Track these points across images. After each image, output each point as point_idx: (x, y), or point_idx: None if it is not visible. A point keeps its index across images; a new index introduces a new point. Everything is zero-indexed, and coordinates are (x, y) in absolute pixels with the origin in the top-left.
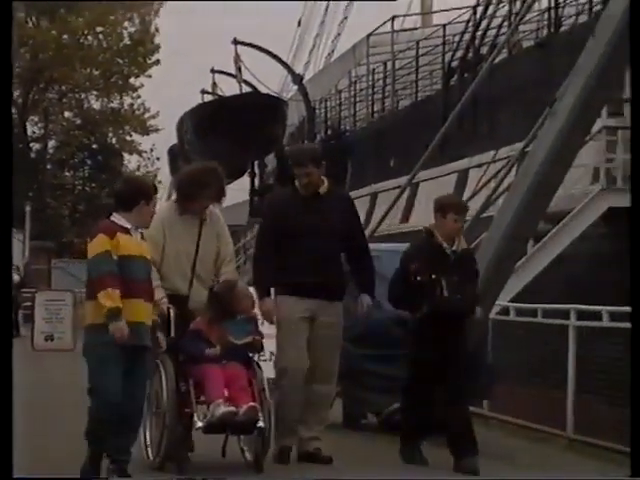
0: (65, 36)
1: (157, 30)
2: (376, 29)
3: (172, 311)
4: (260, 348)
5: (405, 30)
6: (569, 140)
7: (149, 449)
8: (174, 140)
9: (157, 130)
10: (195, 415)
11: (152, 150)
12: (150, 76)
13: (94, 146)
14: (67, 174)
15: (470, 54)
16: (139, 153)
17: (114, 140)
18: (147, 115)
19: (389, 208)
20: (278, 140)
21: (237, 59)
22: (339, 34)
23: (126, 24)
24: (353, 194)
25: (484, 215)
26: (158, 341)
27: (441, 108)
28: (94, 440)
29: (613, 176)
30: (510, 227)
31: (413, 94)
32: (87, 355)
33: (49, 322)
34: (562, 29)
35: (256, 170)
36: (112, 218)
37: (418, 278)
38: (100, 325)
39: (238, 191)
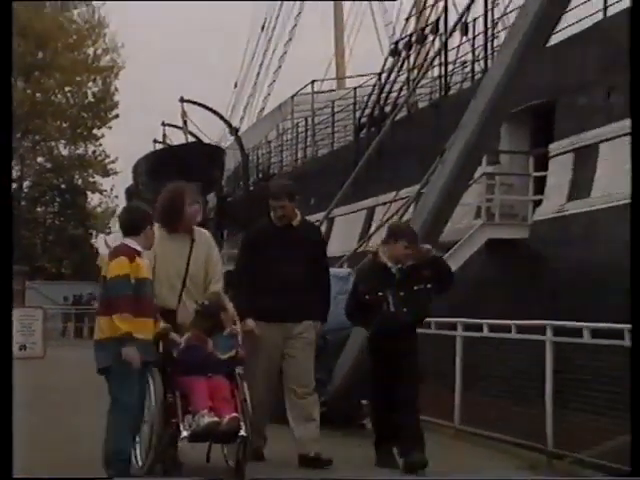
0: (38, 94)
1: (116, 89)
2: (299, 91)
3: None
4: (242, 362)
5: (323, 92)
6: (456, 184)
7: (138, 456)
8: (130, 181)
9: (116, 173)
10: (181, 425)
11: (112, 189)
12: (110, 127)
13: (62, 186)
14: (39, 209)
15: (376, 112)
16: (100, 192)
17: (79, 181)
18: (107, 160)
19: None
20: (217, 182)
21: (183, 114)
22: (269, 94)
23: (90, 84)
24: None
25: None
26: (173, 341)
27: (353, 156)
28: (117, 453)
29: (492, 213)
30: None
31: (330, 144)
32: (111, 367)
33: (23, 334)
34: (450, 93)
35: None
36: (126, 242)
37: (367, 297)
38: (118, 338)
39: None
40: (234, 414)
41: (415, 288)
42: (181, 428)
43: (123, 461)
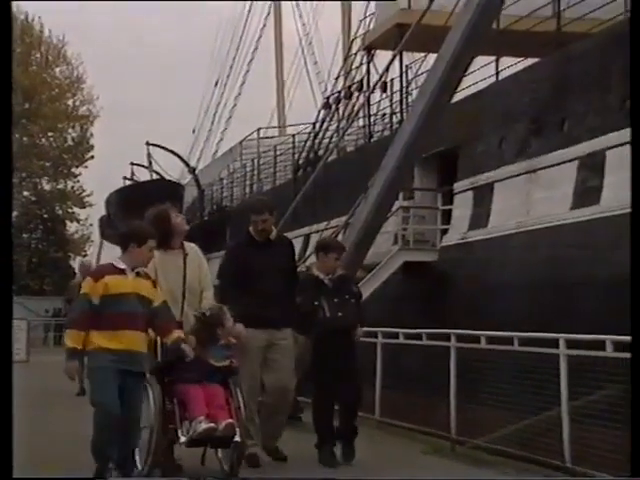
0: (25, 138)
1: (92, 135)
2: (247, 137)
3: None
4: (236, 371)
5: (267, 138)
6: (377, 215)
7: (137, 460)
8: (103, 212)
9: (91, 205)
10: (179, 430)
11: (87, 219)
12: (86, 167)
13: (45, 216)
14: (25, 236)
15: (311, 155)
16: (77, 221)
17: (60, 212)
18: (84, 194)
19: None
20: (178, 212)
21: (149, 156)
22: (221, 139)
23: (70, 130)
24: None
25: None
26: (185, 352)
27: (292, 191)
28: (98, 450)
29: (407, 240)
30: None
31: (272, 181)
32: (89, 375)
33: None
34: (373, 140)
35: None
36: (113, 260)
37: (303, 308)
38: (97, 350)
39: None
40: (229, 420)
41: (346, 296)
42: (179, 434)
43: (99, 459)
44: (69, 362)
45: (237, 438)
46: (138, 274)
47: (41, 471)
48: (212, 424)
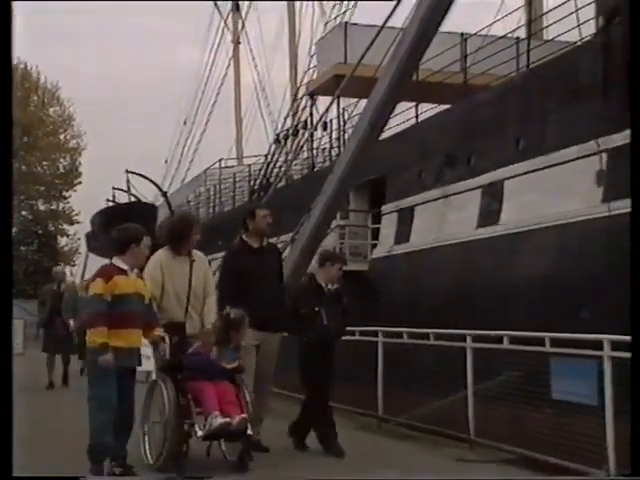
0: (24, 167)
1: (80, 164)
2: (210, 166)
3: (167, 337)
4: (243, 371)
5: (227, 167)
6: (318, 232)
7: (148, 454)
8: (89, 229)
9: (79, 222)
10: (196, 425)
11: (75, 234)
12: (75, 190)
13: (39, 232)
14: (22, 248)
15: (264, 182)
16: (67, 236)
17: (52, 228)
18: (73, 213)
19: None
20: (152, 230)
21: (128, 182)
22: (189, 168)
23: (62, 160)
24: None
25: None
26: (163, 351)
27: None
28: (98, 445)
29: (344, 252)
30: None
31: (232, 204)
32: (91, 371)
33: None
34: (315, 169)
35: None
36: (113, 261)
37: (305, 310)
38: (97, 348)
39: None
40: (243, 415)
41: (339, 308)
42: (196, 428)
43: (98, 452)
44: (104, 356)
45: (249, 432)
46: (136, 274)
47: (41, 471)
48: (227, 419)
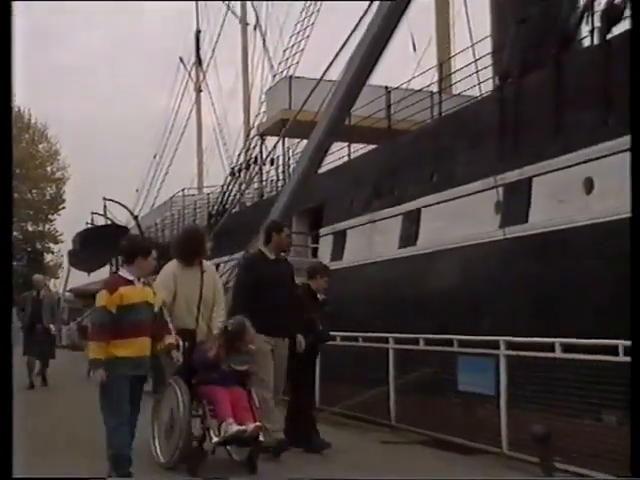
0: (16, 194)
1: (64, 192)
2: (175, 194)
3: (180, 342)
4: (252, 375)
5: (190, 195)
6: None
7: (159, 454)
8: (70, 247)
9: (62, 241)
10: (211, 430)
11: (59, 251)
12: (60, 214)
13: (29, 249)
14: (15, 263)
15: (220, 208)
16: (52, 253)
17: (39, 246)
18: (57, 234)
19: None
20: None
21: (104, 207)
22: (157, 196)
23: (48, 189)
24: None
25: None
26: (173, 358)
27: (209, 234)
28: (118, 457)
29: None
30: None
31: None
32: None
33: None
34: (264, 197)
35: (113, 261)
36: (119, 272)
37: (307, 317)
38: (113, 359)
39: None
40: (257, 424)
41: (326, 314)
42: (211, 433)
43: (122, 462)
44: (96, 372)
45: (261, 438)
46: (144, 283)
47: (41, 471)
48: (243, 426)
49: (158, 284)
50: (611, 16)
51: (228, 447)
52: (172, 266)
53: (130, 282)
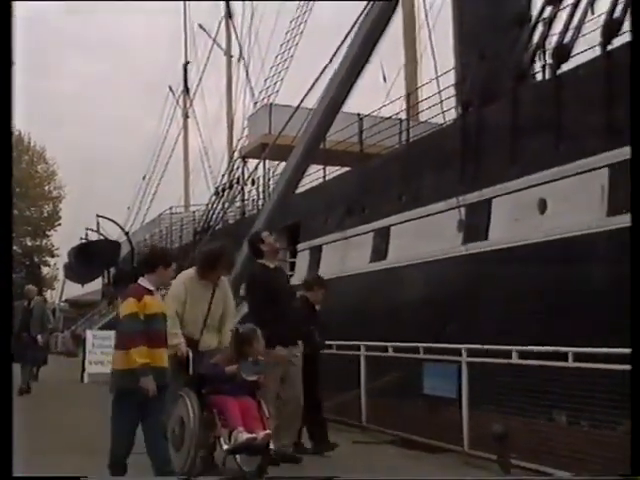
0: (15, 211)
1: (60, 209)
2: (163, 212)
3: (190, 353)
4: (262, 387)
5: (177, 213)
6: (247, 265)
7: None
8: (66, 260)
9: (58, 255)
10: (222, 439)
11: (55, 264)
12: (56, 230)
13: (27, 262)
14: (14, 275)
15: (205, 225)
16: (49, 266)
17: (37, 260)
18: (54, 248)
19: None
20: (116, 261)
21: (98, 224)
22: (147, 213)
23: (45, 207)
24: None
25: None
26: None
27: (192, 249)
28: (116, 467)
29: None
30: None
31: (179, 242)
32: (116, 395)
33: None
34: (246, 215)
35: (105, 274)
36: (139, 282)
37: (306, 328)
38: (132, 370)
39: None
40: (267, 432)
41: (322, 325)
42: (222, 442)
43: (118, 469)
44: (146, 377)
45: (271, 446)
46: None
47: (41, 471)
48: (253, 435)
49: (169, 292)
50: (560, 54)
51: (238, 458)
52: (186, 276)
53: (150, 292)
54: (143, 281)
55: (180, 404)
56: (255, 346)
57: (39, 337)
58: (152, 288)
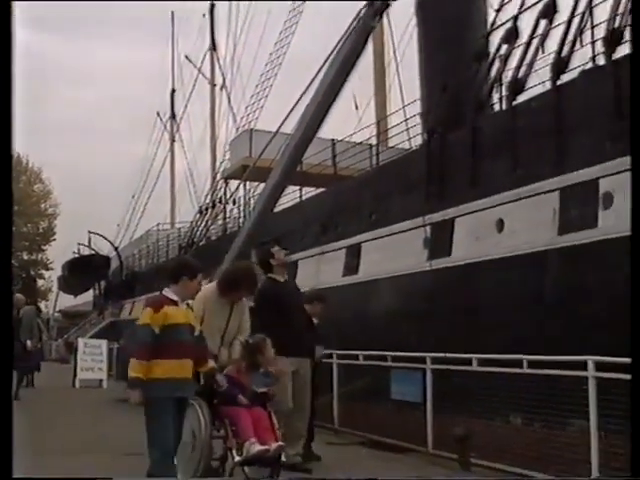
0: (13, 227)
1: (55, 225)
2: (150, 229)
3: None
4: (272, 399)
5: (163, 230)
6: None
7: (179, 474)
8: (60, 273)
9: (53, 269)
10: (234, 450)
11: (50, 277)
12: (51, 245)
13: (23, 275)
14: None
15: (190, 241)
16: (43, 278)
17: (32, 272)
18: (48, 262)
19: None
20: (106, 274)
21: (89, 239)
22: (135, 229)
23: (41, 223)
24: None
25: None
26: (218, 382)
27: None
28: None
29: None
30: None
31: (166, 257)
32: (148, 405)
33: None
34: (227, 232)
35: (96, 286)
36: (164, 291)
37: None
38: (157, 380)
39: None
40: (280, 443)
41: (320, 335)
42: (234, 453)
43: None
44: (132, 391)
45: (283, 458)
46: (187, 305)
47: (41, 471)
48: (266, 447)
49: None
50: (515, 87)
51: (246, 469)
52: (207, 291)
53: (174, 302)
54: (167, 291)
55: (191, 414)
56: (266, 355)
57: (28, 342)
58: (176, 298)
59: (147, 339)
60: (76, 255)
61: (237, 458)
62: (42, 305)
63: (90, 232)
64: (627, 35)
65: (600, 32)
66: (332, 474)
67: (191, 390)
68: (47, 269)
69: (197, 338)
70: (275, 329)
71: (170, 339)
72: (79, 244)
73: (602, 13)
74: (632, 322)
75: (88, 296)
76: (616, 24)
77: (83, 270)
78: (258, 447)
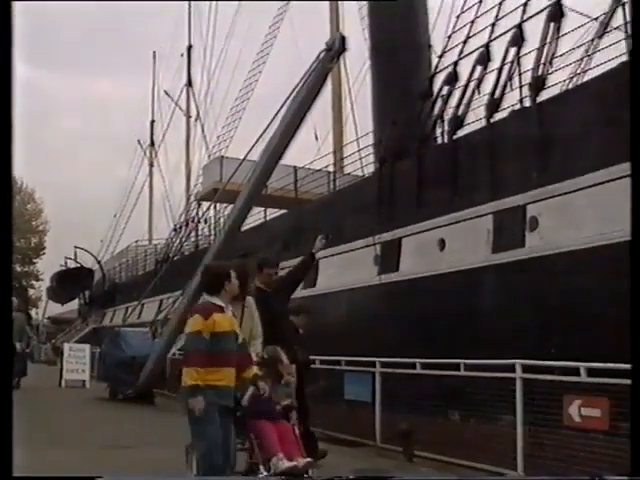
0: None
1: (45, 240)
2: (129, 245)
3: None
4: (294, 409)
5: (142, 245)
6: (196, 294)
7: (193, 467)
8: (48, 284)
9: (42, 280)
10: (261, 466)
11: (40, 287)
12: (41, 258)
13: (16, 285)
14: None
15: (165, 256)
16: (34, 288)
17: (24, 283)
18: (39, 273)
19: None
20: (90, 285)
21: (75, 254)
22: (116, 246)
23: (32, 238)
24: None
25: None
26: (260, 388)
27: (153, 276)
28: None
29: None
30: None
31: (144, 269)
32: (188, 409)
33: None
34: (199, 248)
35: (81, 295)
36: (207, 299)
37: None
38: (205, 387)
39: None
40: (309, 460)
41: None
42: (261, 469)
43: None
44: (193, 399)
45: (310, 473)
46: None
47: (41, 471)
48: (294, 463)
49: None
50: (455, 123)
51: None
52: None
53: (221, 308)
54: (213, 298)
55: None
56: (285, 362)
57: (17, 344)
58: (222, 304)
59: (201, 346)
60: (63, 267)
61: (265, 473)
62: (33, 312)
63: (76, 247)
64: (548, 82)
65: (526, 78)
66: (337, 471)
67: (234, 399)
68: (37, 280)
69: (240, 345)
70: (266, 336)
71: (218, 347)
72: (66, 258)
73: (528, 62)
74: (632, 324)
75: (74, 305)
76: (539, 72)
77: (69, 281)
78: (287, 464)
